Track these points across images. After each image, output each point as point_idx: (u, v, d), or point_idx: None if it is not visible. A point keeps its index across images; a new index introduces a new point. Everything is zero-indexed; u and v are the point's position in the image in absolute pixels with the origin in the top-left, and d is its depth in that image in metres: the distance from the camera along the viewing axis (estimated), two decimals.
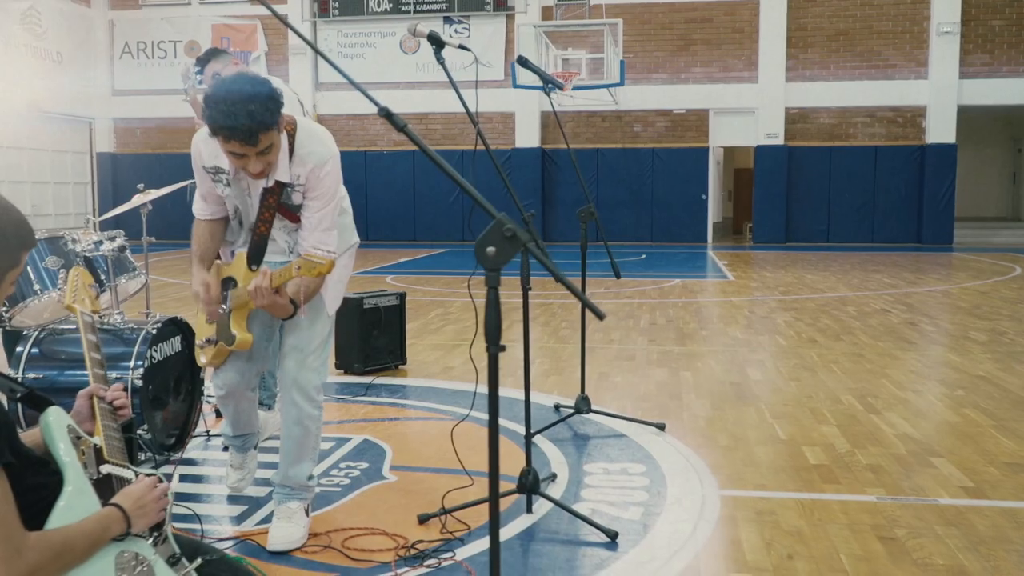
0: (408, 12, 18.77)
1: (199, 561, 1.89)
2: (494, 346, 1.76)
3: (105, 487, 1.83)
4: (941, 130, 17.46)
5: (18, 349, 3.55)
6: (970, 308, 8.44)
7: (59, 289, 3.64)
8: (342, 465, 3.69)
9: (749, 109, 18.07)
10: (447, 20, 18.86)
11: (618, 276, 4.20)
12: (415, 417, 4.51)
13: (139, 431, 3.45)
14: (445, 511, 3.06)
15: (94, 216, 18.78)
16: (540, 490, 3.14)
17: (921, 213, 17.71)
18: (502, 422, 4.26)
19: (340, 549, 2.84)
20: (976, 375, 5.42)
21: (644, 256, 15.38)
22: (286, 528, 2.89)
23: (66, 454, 1.81)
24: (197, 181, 3.01)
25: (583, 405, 4.30)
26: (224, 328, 2.94)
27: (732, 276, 11.86)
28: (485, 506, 3.06)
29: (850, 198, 18.00)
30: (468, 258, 15.29)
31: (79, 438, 1.88)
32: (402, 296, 5.74)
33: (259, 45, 19.48)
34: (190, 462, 3.76)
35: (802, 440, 4.04)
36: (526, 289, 3.23)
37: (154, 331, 3.60)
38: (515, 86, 15.46)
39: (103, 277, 3.90)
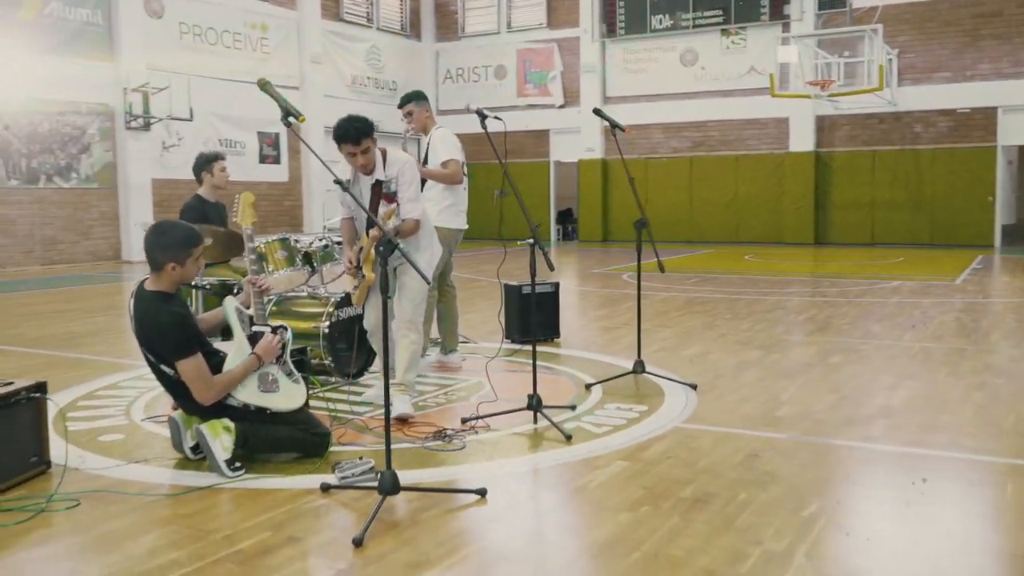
0: (687, 27, 20.03)
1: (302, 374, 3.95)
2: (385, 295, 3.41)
3: (253, 338, 3.86)
4: None
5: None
6: None
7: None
8: (447, 388, 5.47)
9: None
10: (724, 32, 19.83)
11: (662, 271, 5.51)
12: (520, 371, 6.14)
13: (325, 361, 5.49)
14: (478, 416, 4.71)
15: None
16: (540, 408, 4.66)
17: None
18: (569, 370, 5.81)
19: (400, 429, 4.61)
20: None
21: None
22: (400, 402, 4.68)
23: (233, 325, 3.84)
24: (339, 198, 4.89)
25: (639, 367, 5.66)
26: (360, 276, 4.81)
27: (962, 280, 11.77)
28: (504, 416, 4.67)
29: None
30: (729, 258, 16.35)
31: (241, 312, 3.91)
32: (556, 285, 7.40)
33: (556, 65, 21.90)
34: (360, 384, 5.74)
35: None
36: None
37: (339, 299, 5.64)
38: (773, 95, 16.15)
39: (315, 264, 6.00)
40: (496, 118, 4.90)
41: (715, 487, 3.63)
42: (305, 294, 5.84)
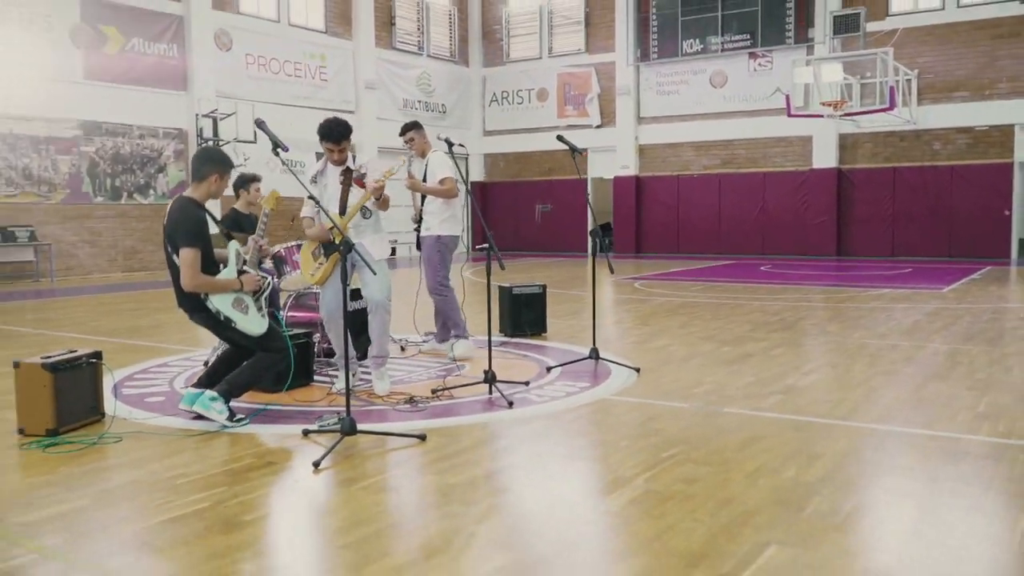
0: (716, 51, 21.06)
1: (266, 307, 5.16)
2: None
3: (240, 274, 5.07)
4: None
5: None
6: None
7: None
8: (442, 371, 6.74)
9: None
10: (752, 55, 20.78)
11: (612, 271, 6.71)
12: (499, 357, 7.37)
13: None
14: (445, 388, 5.96)
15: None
16: (493, 382, 5.89)
17: None
18: (541, 357, 7.03)
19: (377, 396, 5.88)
20: None
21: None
22: (381, 383, 5.96)
23: (231, 259, 5.05)
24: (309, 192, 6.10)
25: (594, 354, 6.84)
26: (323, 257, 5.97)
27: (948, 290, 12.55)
28: (471, 388, 5.92)
29: None
30: (747, 268, 17.25)
31: (239, 255, 5.12)
32: (543, 287, 8.61)
33: (593, 88, 23.12)
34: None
35: None
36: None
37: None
38: (789, 116, 17.08)
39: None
40: (460, 145, 6.19)
41: (606, 438, 4.81)
42: (319, 290, 7.17)
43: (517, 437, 4.84)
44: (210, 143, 17.82)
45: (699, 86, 21.59)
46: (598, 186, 23.86)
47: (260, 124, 5.10)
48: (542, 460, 4.38)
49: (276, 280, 7.23)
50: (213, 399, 4.96)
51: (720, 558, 3.05)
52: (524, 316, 8.47)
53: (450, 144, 6.14)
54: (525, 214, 24.17)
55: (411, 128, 7.59)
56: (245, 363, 5.15)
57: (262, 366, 5.16)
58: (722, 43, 20.94)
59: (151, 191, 17.68)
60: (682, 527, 3.37)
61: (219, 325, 5.04)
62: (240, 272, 5.12)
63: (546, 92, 24.02)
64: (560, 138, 7.09)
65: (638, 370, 6.58)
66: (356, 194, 5.89)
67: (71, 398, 4.89)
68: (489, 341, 6.02)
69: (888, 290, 12.64)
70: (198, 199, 5.04)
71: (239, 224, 7.22)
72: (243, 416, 5.08)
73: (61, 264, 16.07)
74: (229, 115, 17.79)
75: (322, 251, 5.96)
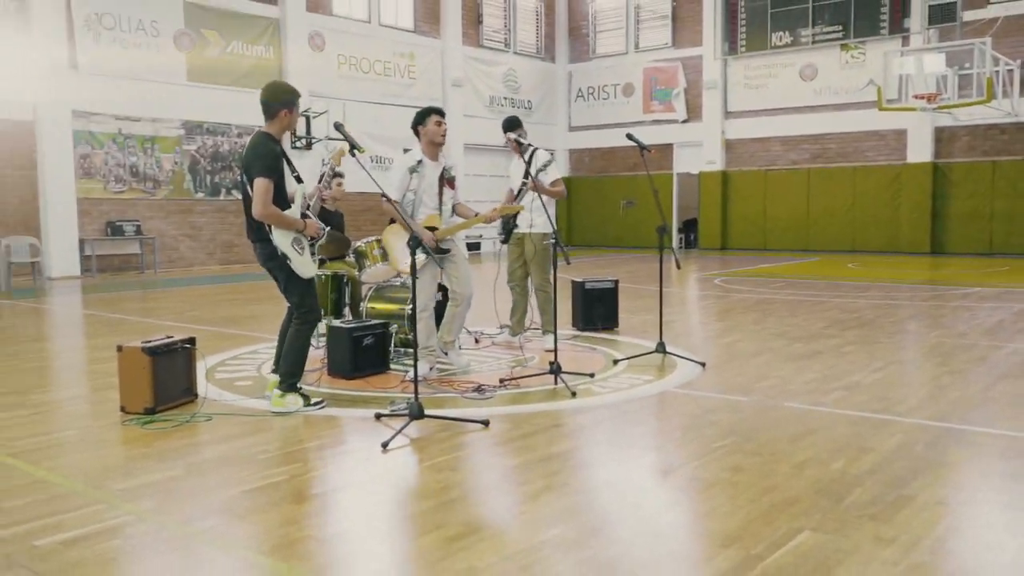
0: (807, 43, 20.67)
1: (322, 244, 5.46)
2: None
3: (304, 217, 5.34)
4: None
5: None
6: None
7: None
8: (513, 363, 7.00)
9: None
10: (844, 47, 20.33)
11: (678, 267, 6.85)
12: (568, 349, 7.58)
13: (409, 336, 7.14)
14: (512, 378, 6.22)
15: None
16: (558, 372, 6.10)
17: None
18: (608, 350, 7.22)
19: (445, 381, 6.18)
20: None
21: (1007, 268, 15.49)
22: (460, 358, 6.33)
23: (297, 201, 5.30)
24: (402, 181, 6.35)
25: (660, 348, 6.98)
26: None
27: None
28: (539, 378, 6.17)
29: None
30: (834, 265, 16.97)
31: (304, 198, 5.41)
32: (616, 282, 8.78)
33: (679, 83, 23.00)
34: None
35: None
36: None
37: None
38: (880, 109, 16.68)
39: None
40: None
41: (662, 427, 4.99)
42: (399, 283, 7.51)
43: (576, 425, 5.05)
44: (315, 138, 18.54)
45: (788, 79, 21.24)
46: (684, 181, 23.74)
47: (339, 127, 5.43)
48: (597, 446, 4.59)
49: (358, 272, 7.61)
50: (280, 396, 5.29)
51: (753, 540, 3.21)
52: (596, 311, 8.65)
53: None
54: (609, 210, 24.23)
55: (519, 125, 7.52)
56: (286, 347, 5.39)
57: (299, 343, 5.33)
58: (813, 35, 20.54)
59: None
60: (721, 511, 3.54)
61: (273, 260, 5.22)
62: (304, 216, 5.31)
63: (632, 87, 24.02)
64: (629, 136, 7.24)
65: (704, 364, 6.69)
66: (447, 193, 6.30)
67: (167, 380, 5.33)
68: (555, 333, 6.26)
69: (978, 289, 12.30)
70: (274, 134, 5.24)
71: (326, 220, 7.60)
72: (320, 400, 5.43)
73: (164, 256, 17.02)
74: (321, 113, 18.45)
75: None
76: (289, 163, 5.38)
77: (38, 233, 15.29)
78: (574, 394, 5.74)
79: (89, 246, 15.98)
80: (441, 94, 22.07)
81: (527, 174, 7.18)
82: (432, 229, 6.25)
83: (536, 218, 7.40)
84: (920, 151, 19.39)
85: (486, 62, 23.35)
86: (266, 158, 5.07)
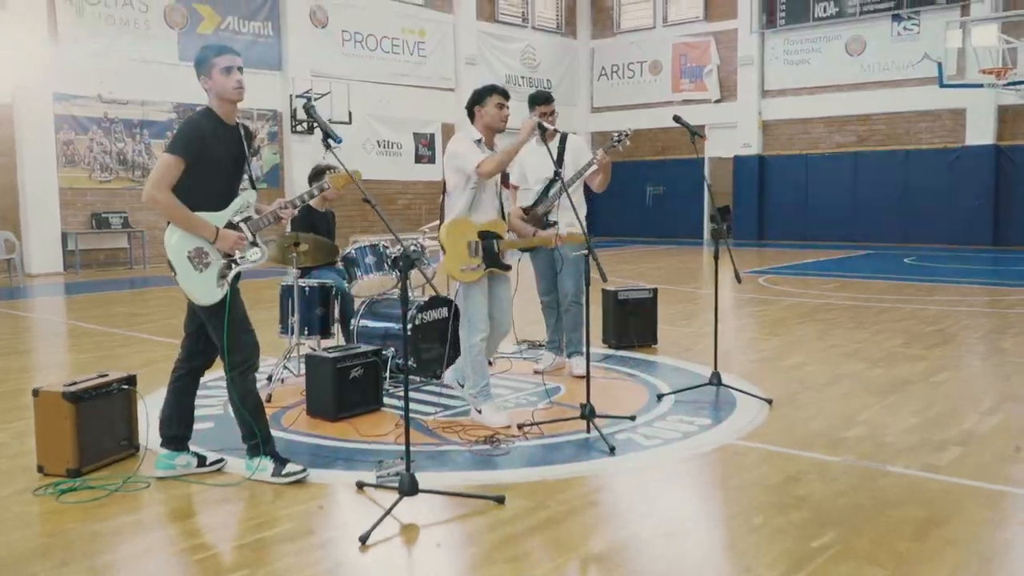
0: (854, 14, 19.10)
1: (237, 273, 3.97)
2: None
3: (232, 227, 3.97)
4: None
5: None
6: None
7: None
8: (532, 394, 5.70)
9: None
10: (896, 18, 18.73)
11: (739, 280, 5.51)
12: (602, 377, 6.24)
13: (410, 361, 5.84)
14: (532, 423, 4.92)
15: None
16: (591, 418, 4.79)
17: None
18: (650, 378, 5.89)
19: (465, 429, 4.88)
20: None
21: None
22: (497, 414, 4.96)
23: (232, 205, 3.97)
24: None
25: (715, 378, 5.65)
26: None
27: None
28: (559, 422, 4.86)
29: None
30: (888, 260, 15.60)
31: (248, 207, 4.06)
32: (654, 291, 7.43)
33: (712, 59, 21.48)
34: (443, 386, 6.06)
35: None
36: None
37: (423, 303, 5.97)
38: (941, 86, 15.17)
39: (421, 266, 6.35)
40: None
41: (734, 509, 3.67)
42: (395, 297, 6.21)
43: (617, 499, 3.82)
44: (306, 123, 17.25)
45: (833, 54, 19.65)
46: (716, 166, 22.22)
47: (309, 110, 4.23)
48: (648, 544, 3.30)
49: (345, 284, 6.33)
50: (255, 459, 4.03)
51: None
52: (631, 325, 7.33)
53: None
54: (634, 197, 22.76)
55: (547, 101, 6.30)
56: (233, 411, 4.11)
57: (244, 397, 4.01)
58: (860, 5, 18.92)
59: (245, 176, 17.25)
60: None
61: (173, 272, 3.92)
62: (233, 226, 3.99)
63: (659, 64, 22.50)
64: (677, 119, 5.93)
65: (770, 402, 5.37)
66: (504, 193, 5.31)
67: (98, 431, 4.18)
68: (588, 366, 4.95)
69: None
70: (216, 111, 4.02)
71: (312, 223, 6.34)
72: (296, 470, 4.03)
73: (153, 251, 15.75)
74: (323, 95, 17.16)
75: (480, 250, 4.96)
76: (245, 158, 4.17)
77: (16, 227, 14.13)
78: (612, 449, 4.46)
79: (72, 240, 14.90)
80: (454, 73, 20.69)
81: (559, 164, 5.85)
82: (496, 237, 5.02)
83: (571, 216, 5.64)
84: (981, 133, 17.80)
85: (502, 38, 21.91)
86: (185, 134, 3.91)
